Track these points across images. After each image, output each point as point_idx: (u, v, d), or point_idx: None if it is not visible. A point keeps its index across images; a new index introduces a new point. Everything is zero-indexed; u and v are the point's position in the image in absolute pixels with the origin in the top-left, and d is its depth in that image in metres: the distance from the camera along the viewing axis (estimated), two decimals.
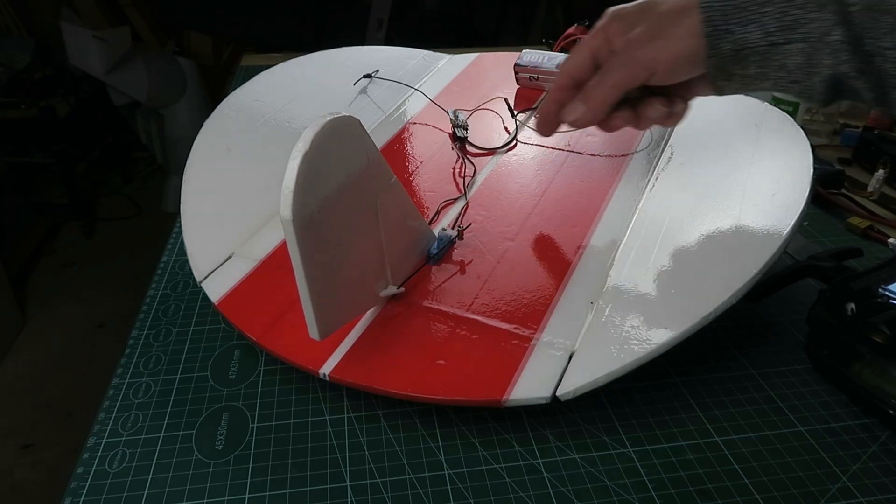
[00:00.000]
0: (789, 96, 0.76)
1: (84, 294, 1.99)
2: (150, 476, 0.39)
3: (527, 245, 0.51)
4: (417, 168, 0.62)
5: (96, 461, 0.40)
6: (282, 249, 0.52)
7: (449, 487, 0.38)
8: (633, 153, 0.61)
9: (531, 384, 0.40)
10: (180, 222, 0.56)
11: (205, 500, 0.38)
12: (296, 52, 0.90)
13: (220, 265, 0.51)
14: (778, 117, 0.60)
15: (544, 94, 0.74)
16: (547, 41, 0.83)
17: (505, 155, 0.63)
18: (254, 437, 0.42)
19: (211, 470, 0.40)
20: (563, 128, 0.46)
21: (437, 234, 0.51)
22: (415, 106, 0.72)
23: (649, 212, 0.52)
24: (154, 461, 0.40)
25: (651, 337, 0.41)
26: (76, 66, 1.98)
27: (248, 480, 0.39)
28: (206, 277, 0.50)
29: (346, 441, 0.41)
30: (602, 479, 0.39)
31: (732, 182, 0.53)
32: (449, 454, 0.40)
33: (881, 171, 0.70)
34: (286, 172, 0.36)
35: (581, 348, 0.42)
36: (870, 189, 0.70)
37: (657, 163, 0.59)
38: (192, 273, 0.51)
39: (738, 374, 0.46)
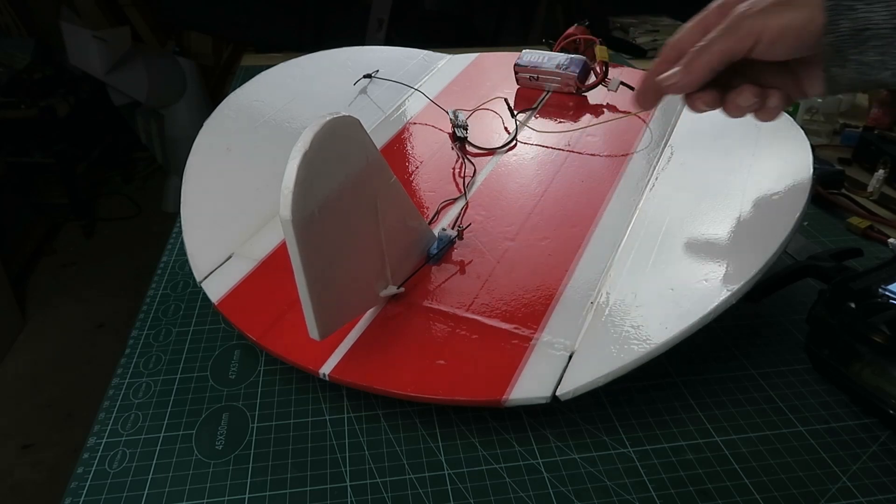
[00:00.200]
0: None
1: (84, 294, 1.99)
2: (150, 476, 0.39)
3: (527, 245, 0.51)
4: (417, 168, 0.62)
5: (96, 461, 0.40)
6: (282, 249, 0.52)
7: (449, 487, 0.38)
8: (632, 153, 0.61)
9: (531, 384, 0.40)
10: (180, 222, 0.56)
11: (205, 500, 0.38)
12: (296, 52, 0.90)
13: (220, 265, 0.51)
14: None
15: (545, 93, 0.74)
16: (547, 41, 0.83)
17: (505, 155, 0.63)
18: (254, 437, 0.42)
19: (211, 470, 0.40)
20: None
21: (437, 234, 0.51)
22: (415, 106, 0.72)
23: (649, 212, 0.52)
24: (154, 461, 0.40)
25: (651, 337, 0.41)
26: (76, 66, 1.98)
27: (248, 480, 0.39)
28: (206, 277, 0.50)
29: (346, 441, 0.41)
30: (602, 479, 0.39)
31: (732, 182, 0.53)
32: (449, 454, 0.40)
33: (881, 171, 0.70)
34: (286, 172, 0.36)
35: (581, 348, 0.42)
36: (870, 189, 0.70)
37: (657, 163, 0.59)
38: (192, 273, 0.51)
39: (738, 374, 0.46)
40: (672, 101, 0.69)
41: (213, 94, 2.37)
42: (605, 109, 0.69)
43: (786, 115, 0.60)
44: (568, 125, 0.67)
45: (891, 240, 0.59)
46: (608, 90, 0.70)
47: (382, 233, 0.44)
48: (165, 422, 0.43)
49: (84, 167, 2.34)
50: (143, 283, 0.56)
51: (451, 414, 0.43)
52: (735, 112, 0.41)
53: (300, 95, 0.72)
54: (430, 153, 0.64)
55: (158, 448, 0.41)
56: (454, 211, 0.56)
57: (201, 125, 0.65)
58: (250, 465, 0.40)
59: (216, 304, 0.48)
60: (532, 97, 0.73)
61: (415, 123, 0.69)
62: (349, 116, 0.39)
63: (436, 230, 0.52)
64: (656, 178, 0.56)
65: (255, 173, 0.60)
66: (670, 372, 0.46)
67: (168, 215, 2.35)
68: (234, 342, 0.50)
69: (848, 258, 0.54)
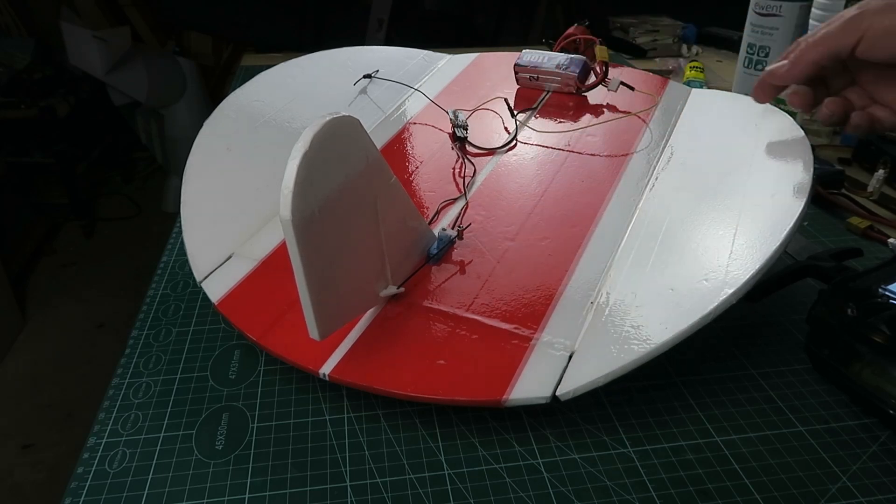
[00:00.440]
0: None
1: (84, 294, 1.99)
2: (150, 476, 0.39)
3: (527, 245, 0.51)
4: (417, 168, 0.62)
5: (96, 461, 0.40)
6: (282, 249, 0.52)
7: (449, 487, 0.38)
8: (633, 153, 0.61)
9: (531, 384, 0.40)
10: (180, 222, 0.56)
11: (205, 500, 0.38)
12: (296, 52, 0.90)
13: (220, 265, 0.51)
14: (778, 117, 0.60)
15: (545, 93, 0.74)
16: (547, 41, 0.83)
17: (505, 155, 0.63)
18: (254, 437, 0.42)
19: (211, 470, 0.40)
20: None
21: (436, 234, 0.51)
22: (415, 106, 0.72)
23: (649, 212, 0.52)
24: (154, 461, 0.40)
25: (651, 337, 0.41)
26: (76, 66, 1.98)
27: (248, 480, 0.39)
28: (206, 277, 0.50)
29: (346, 441, 0.41)
30: (602, 479, 0.39)
31: (732, 182, 0.53)
32: (449, 454, 0.40)
33: (881, 171, 0.70)
34: (286, 172, 0.36)
35: (581, 348, 0.42)
36: (870, 189, 0.70)
37: (657, 163, 0.59)
38: (192, 273, 0.51)
39: (738, 374, 0.46)
40: (672, 101, 0.69)
41: (213, 94, 2.37)
42: (605, 109, 0.69)
43: (786, 114, 0.60)
44: (568, 125, 0.67)
45: (891, 240, 0.59)
46: (608, 90, 0.70)
47: (382, 233, 0.44)
48: (165, 422, 0.43)
49: (84, 167, 2.34)
50: (143, 283, 0.56)
51: (451, 414, 0.43)
52: (820, 117, 0.43)
53: (300, 95, 0.72)
54: (430, 153, 0.64)
55: (158, 448, 0.41)
56: (454, 211, 0.56)
57: (201, 125, 0.65)
58: (250, 465, 0.40)
59: (216, 304, 0.48)
60: (532, 97, 0.73)
61: (415, 123, 0.69)
62: (349, 116, 0.39)
63: (436, 230, 0.52)
64: (656, 178, 0.56)
65: (255, 173, 0.60)
66: (670, 372, 0.47)
67: (168, 215, 2.35)
68: (234, 342, 0.50)
69: (848, 258, 0.54)
